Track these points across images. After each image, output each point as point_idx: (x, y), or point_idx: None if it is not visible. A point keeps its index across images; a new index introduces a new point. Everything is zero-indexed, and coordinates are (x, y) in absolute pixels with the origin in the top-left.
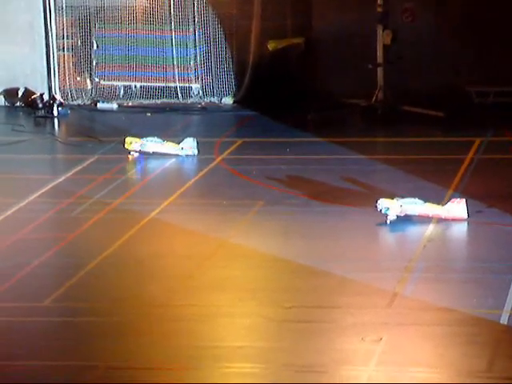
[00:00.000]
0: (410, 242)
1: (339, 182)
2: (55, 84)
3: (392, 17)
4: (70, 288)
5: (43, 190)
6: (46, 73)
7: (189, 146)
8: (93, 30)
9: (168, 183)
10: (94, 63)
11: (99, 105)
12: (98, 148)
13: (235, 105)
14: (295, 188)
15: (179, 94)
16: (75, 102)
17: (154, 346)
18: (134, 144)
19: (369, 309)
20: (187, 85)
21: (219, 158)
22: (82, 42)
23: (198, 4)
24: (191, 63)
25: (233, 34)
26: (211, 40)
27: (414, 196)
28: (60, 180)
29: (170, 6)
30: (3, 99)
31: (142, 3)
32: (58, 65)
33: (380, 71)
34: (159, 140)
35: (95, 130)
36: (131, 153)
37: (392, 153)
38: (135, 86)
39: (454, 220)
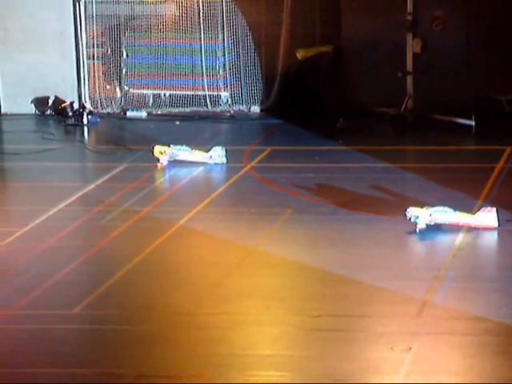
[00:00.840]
0: (439, 251)
1: (368, 190)
2: (85, 92)
3: (422, 25)
4: (98, 296)
5: (73, 198)
6: (75, 81)
7: (217, 154)
8: (122, 38)
9: (196, 191)
10: (124, 72)
11: (128, 113)
12: (127, 156)
13: (264, 113)
14: (324, 196)
15: (208, 103)
16: (105, 111)
17: (182, 354)
18: (162, 152)
19: (398, 318)
20: (216, 93)
21: (248, 166)
22: (111, 51)
23: (226, 12)
24: (220, 72)
25: (262, 43)
26: (240, 48)
27: (443, 205)
28: (89, 188)
29: (199, 15)
30: (34, 108)
31: (172, 12)
32: (88, 73)
33: (409, 80)
34: (188, 148)
35: (124, 139)
36: (160, 161)
37: (421, 161)
38: (164, 95)
39: (484, 229)
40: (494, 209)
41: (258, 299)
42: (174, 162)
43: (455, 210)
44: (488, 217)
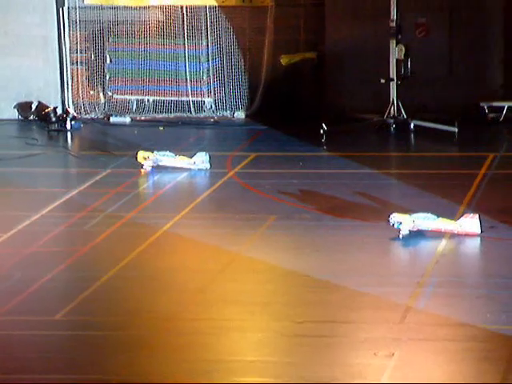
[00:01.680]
0: (422, 257)
1: (352, 196)
2: (68, 98)
3: (405, 32)
4: (82, 302)
5: (56, 204)
6: (59, 87)
7: (201, 160)
8: (106, 44)
9: (180, 197)
10: (107, 77)
11: (112, 119)
12: (111, 162)
13: (248, 119)
14: (307, 202)
15: (192, 108)
16: (88, 116)
17: (167, 359)
18: (146, 158)
19: (381, 324)
20: (200, 99)
21: (232, 172)
22: (95, 56)
23: (210, 18)
24: (204, 77)
25: (246, 49)
26: (224, 54)
27: (426, 211)
28: (73, 193)
29: (182, 21)
30: (17, 113)
31: (156, 18)
32: (72, 79)
33: (392, 86)
34: (171, 154)
35: (108, 144)
36: (144, 167)
37: (405, 167)
38: (148, 100)
39: (467, 235)
40: (477, 215)
41: (241, 305)
42: (158, 168)
43: (438, 217)
44: (471, 223)
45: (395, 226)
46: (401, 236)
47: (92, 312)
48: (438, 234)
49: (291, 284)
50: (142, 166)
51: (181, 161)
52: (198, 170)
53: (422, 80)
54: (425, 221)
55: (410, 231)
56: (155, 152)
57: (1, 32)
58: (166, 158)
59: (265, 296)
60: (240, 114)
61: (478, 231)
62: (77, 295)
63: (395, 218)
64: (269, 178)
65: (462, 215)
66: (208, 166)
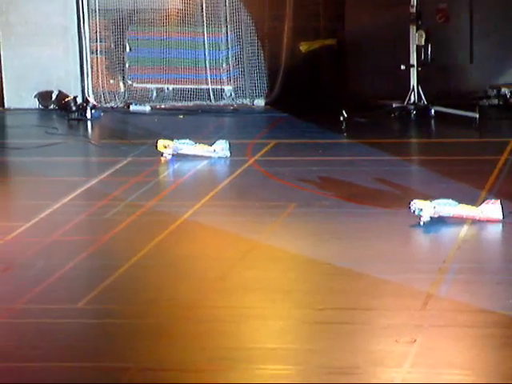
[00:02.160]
0: (443, 244)
1: (372, 183)
2: (88, 87)
3: (425, 17)
4: (103, 290)
5: (77, 193)
6: (79, 76)
7: (221, 147)
8: (126, 32)
9: (200, 185)
10: (127, 66)
11: (132, 107)
12: (131, 150)
13: (268, 106)
14: (328, 190)
15: (211, 96)
16: (108, 105)
17: (187, 347)
18: (166, 146)
19: (403, 310)
20: (219, 87)
21: (252, 160)
22: (115, 45)
23: (229, 6)
24: (223, 65)
25: (265, 36)
26: (243, 42)
27: (447, 197)
28: (93, 182)
29: (202, 9)
30: (37, 102)
31: (175, 6)
32: (91, 68)
33: (413, 72)
34: (191, 142)
35: (128, 133)
36: (164, 155)
37: (425, 154)
38: (168, 89)
39: (489, 221)
40: (498, 201)
41: (262, 293)
42: (178, 156)
43: (459, 203)
44: (492, 209)
45: (416, 212)
46: (422, 223)
47: (113, 300)
48: (459, 221)
49: (312, 272)
50: (162, 154)
51: (201, 149)
52: (218, 157)
53: (442, 66)
54: (446, 207)
55: (431, 218)
56: (175, 140)
57: (21, 21)
58: (186, 146)
59: (286, 284)
60: (260, 102)
61: (500, 217)
62: (98, 284)
63: (416, 204)
64: (289, 166)
65: (483, 201)
66: (228, 153)
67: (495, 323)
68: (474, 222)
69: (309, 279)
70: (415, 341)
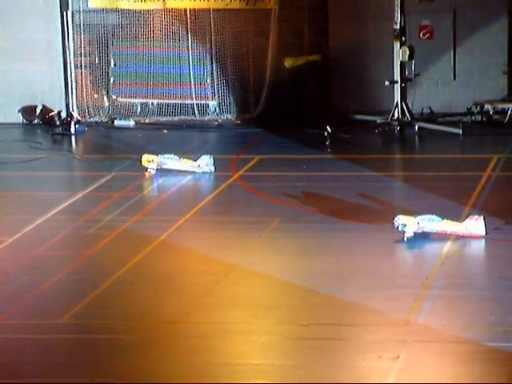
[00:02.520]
0: (427, 260)
1: (356, 198)
2: (72, 101)
3: (409, 34)
4: (86, 305)
5: (60, 208)
6: (63, 90)
7: (205, 162)
8: (110, 47)
9: (185, 200)
10: (111, 81)
11: (116, 122)
12: (115, 165)
13: (252, 122)
14: (312, 205)
15: (196, 111)
16: (92, 120)
17: (171, 363)
18: (150, 161)
19: (386, 326)
20: (204, 102)
21: (236, 175)
22: (99, 60)
23: (214, 21)
24: (208, 80)
25: (250, 52)
26: (228, 57)
27: (431, 213)
28: (77, 197)
29: (186, 24)
30: (21, 117)
31: (159, 21)
32: (76, 82)
33: (397, 88)
34: (176, 157)
35: (112, 148)
36: (148, 170)
37: (409, 170)
38: (152, 104)
39: (472, 237)
40: (482, 217)
41: (246, 308)
42: (162, 171)
43: (443, 219)
44: (475, 225)
45: (400, 228)
46: (405, 238)
47: (96, 316)
48: (443, 236)
49: (296, 287)
50: (146, 169)
51: (185, 164)
52: (203, 172)
53: (426, 82)
54: (429, 223)
55: (414, 233)
56: (160, 155)
57: (5, 36)
58: (170, 161)
59: (270, 299)
60: (244, 117)
61: (483, 233)
62: (81, 299)
63: (400, 220)
64: (273, 181)
65: (466, 217)
66: (212, 168)
67: (479, 339)
68: (458, 238)
69: (292, 294)
70: (399, 357)
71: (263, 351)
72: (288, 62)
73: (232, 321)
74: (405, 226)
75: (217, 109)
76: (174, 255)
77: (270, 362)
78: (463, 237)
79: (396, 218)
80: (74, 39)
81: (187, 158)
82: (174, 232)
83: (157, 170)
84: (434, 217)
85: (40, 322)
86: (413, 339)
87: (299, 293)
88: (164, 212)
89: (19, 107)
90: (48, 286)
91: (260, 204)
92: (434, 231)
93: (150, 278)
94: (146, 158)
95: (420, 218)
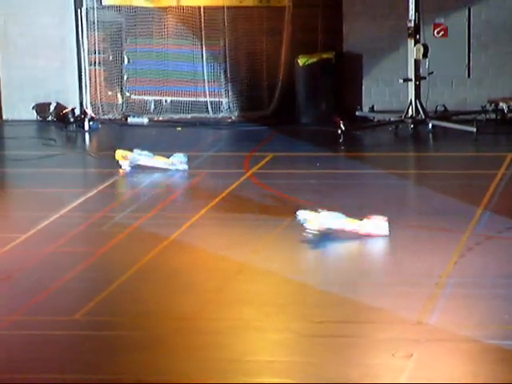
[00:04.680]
0: (441, 258)
1: (370, 196)
2: (86, 99)
3: (423, 32)
4: (99, 302)
5: (74, 204)
6: (77, 88)
7: (179, 160)
8: (124, 44)
9: (198, 198)
10: (125, 78)
11: (130, 119)
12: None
13: (265, 119)
14: (324, 202)
15: (209, 109)
16: (106, 117)
17: (183, 359)
18: (124, 157)
19: (399, 324)
20: (217, 99)
21: (249, 173)
22: (113, 57)
23: (227, 19)
24: (221, 78)
25: (263, 49)
26: (241, 55)
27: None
28: (91, 194)
29: (200, 21)
30: (35, 114)
31: (173, 18)
32: (90, 80)
33: (411, 86)
34: (149, 154)
35: (126, 145)
36: (122, 166)
37: (422, 168)
38: (166, 101)
39: (373, 236)
40: (383, 218)
41: (259, 305)
42: (136, 168)
43: (345, 216)
44: (378, 225)
45: (301, 222)
46: (308, 234)
47: (109, 312)
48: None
49: (309, 285)
50: (120, 165)
51: (158, 161)
52: (176, 170)
53: (440, 80)
54: (331, 220)
55: (318, 230)
56: (134, 151)
57: (18, 33)
58: (144, 158)
59: (282, 296)
60: (257, 115)
61: (386, 233)
62: (95, 296)
63: (301, 215)
64: (286, 179)
65: (369, 217)
66: (186, 166)
67: (492, 337)
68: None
69: (305, 292)
70: (412, 355)
71: (275, 348)
72: (302, 60)
73: (244, 318)
74: (306, 220)
75: (230, 106)
76: (186, 252)
77: (282, 359)
78: (365, 236)
79: (298, 213)
80: (87, 36)
81: (161, 154)
82: (188, 229)
83: (131, 166)
84: (337, 214)
85: (53, 318)
86: (426, 338)
87: (312, 290)
88: (177, 209)
89: (33, 104)
90: (61, 283)
91: (273, 201)
92: (333, 228)
93: (162, 274)
94: (119, 153)
95: (323, 214)
